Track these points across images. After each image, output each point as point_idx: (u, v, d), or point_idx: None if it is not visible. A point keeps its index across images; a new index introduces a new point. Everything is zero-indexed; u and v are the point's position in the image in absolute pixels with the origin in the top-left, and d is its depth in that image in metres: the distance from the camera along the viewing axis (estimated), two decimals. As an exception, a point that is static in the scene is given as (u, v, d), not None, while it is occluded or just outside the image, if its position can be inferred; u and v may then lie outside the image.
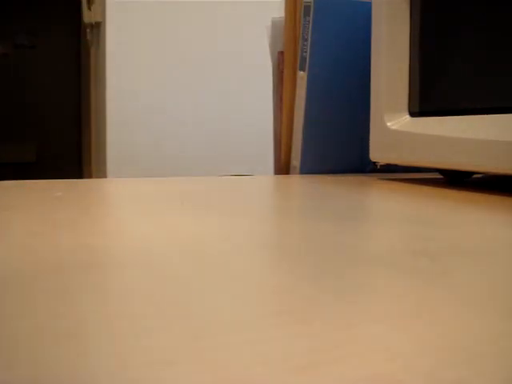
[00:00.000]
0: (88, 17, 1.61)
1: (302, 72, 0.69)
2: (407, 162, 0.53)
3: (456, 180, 0.57)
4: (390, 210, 0.36)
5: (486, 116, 0.45)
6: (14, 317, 0.15)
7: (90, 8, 1.60)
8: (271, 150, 0.81)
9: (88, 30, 1.69)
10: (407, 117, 0.54)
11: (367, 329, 0.14)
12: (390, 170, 0.69)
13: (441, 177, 0.60)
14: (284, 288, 0.18)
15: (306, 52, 0.68)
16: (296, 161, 0.70)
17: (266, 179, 0.61)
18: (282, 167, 0.74)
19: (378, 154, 0.56)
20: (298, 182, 0.56)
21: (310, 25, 0.67)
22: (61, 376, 0.11)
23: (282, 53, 0.76)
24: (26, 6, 2.75)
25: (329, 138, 0.69)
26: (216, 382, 0.11)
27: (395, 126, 0.54)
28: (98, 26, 1.58)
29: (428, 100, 0.52)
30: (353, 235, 0.27)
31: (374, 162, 0.58)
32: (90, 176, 2.00)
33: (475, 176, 0.63)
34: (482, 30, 0.46)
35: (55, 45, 2.82)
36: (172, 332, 0.14)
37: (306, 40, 0.68)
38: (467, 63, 0.48)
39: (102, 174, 1.51)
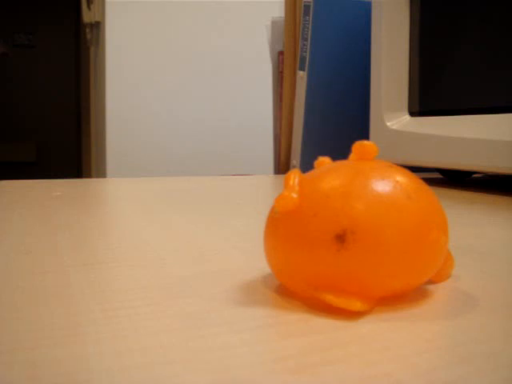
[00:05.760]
0: (87, 16, 1.61)
1: (301, 72, 0.69)
2: (407, 162, 0.53)
3: (456, 180, 0.57)
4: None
5: (486, 116, 0.45)
6: (14, 317, 0.15)
7: (89, 8, 1.60)
8: (271, 149, 0.81)
9: (87, 30, 1.69)
10: (407, 116, 0.54)
11: (367, 329, 0.14)
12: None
13: (441, 177, 0.60)
14: (284, 289, 0.18)
15: (305, 52, 0.68)
16: (295, 160, 0.70)
17: (265, 178, 0.61)
18: (282, 166, 0.74)
19: (378, 153, 0.56)
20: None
21: (310, 25, 0.67)
22: (61, 376, 0.11)
23: (281, 53, 0.76)
24: (26, 6, 2.75)
25: (328, 137, 0.69)
26: (216, 381, 0.11)
27: (395, 126, 0.54)
28: (98, 26, 1.58)
29: (428, 100, 0.52)
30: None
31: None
32: (89, 176, 2.00)
33: (475, 176, 0.63)
34: (481, 30, 0.46)
35: (55, 44, 2.82)
36: (172, 332, 0.14)
37: (306, 40, 0.68)
38: (467, 63, 0.48)
39: (102, 173, 1.51)
